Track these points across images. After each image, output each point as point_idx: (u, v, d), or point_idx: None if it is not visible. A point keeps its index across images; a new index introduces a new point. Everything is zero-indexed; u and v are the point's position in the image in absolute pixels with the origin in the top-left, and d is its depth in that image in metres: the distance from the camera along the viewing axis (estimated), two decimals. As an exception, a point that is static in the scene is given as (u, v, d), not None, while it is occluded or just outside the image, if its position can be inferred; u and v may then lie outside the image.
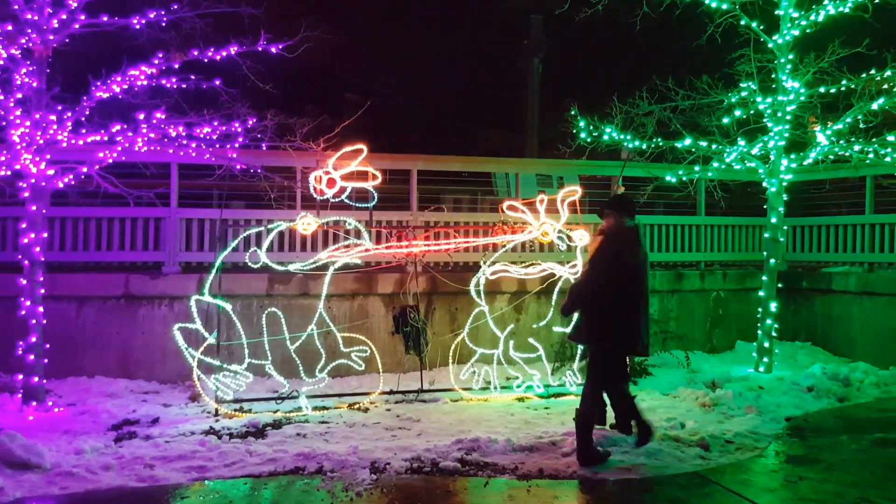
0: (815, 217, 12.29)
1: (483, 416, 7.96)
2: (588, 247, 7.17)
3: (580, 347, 9.21)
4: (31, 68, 7.81)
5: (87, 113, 8.08)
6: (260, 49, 8.24)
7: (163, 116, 8.11)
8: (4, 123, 7.80)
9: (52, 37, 7.86)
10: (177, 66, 8.11)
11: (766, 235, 10.57)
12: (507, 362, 9.21)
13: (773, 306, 10.31)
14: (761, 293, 10.48)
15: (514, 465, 6.27)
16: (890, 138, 9.60)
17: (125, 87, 8.05)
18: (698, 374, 9.84)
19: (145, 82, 8.10)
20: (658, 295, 11.50)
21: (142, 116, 8.04)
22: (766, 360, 10.22)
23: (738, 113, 10.31)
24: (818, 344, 11.66)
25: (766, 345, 10.26)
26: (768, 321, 10.28)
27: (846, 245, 11.59)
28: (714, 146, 10.33)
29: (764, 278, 10.47)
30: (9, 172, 7.88)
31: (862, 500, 5.47)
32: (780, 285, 10.62)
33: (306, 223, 8.53)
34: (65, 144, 8.08)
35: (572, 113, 10.47)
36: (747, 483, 5.94)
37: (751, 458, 6.61)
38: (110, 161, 8.26)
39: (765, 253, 10.54)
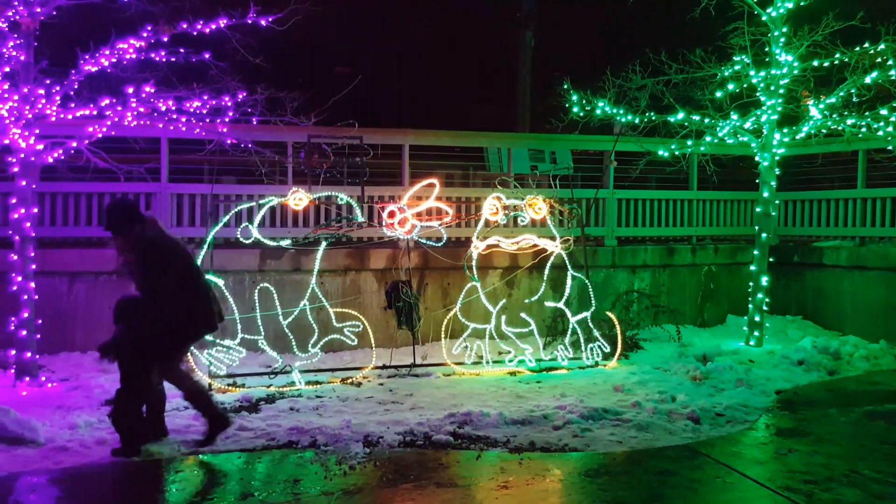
0: (806, 191, 12.30)
1: (475, 390, 8.01)
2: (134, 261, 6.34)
3: (572, 322, 9.25)
4: (18, 41, 7.69)
5: (76, 87, 7.99)
6: (249, 22, 8.12)
7: (152, 90, 8.01)
8: (-8, 98, 7.72)
9: (39, 9, 7.73)
10: (166, 39, 7.99)
11: (757, 210, 10.58)
12: (499, 337, 9.23)
13: (764, 280, 10.35)
14: (752, 267, 10.52)
15: (505, 439, 6.32)
16: (883, 112, 9.59)
17: (113, 60, 7.94)
18: (689, 348, 9.90)
19: (134, 56, 7.99)
20: (649, 269, 11.54)
21: (131, 90, 7.94)
22: (756, 333, 10.28)
23: (731, 87, 10.25)
24: (809, 318, 11.72)
25: (757, 319, 10.31)
26: (759, 295, 10.32)
27: (838, 219, 11.61)
28: (707, 120, 10.29)
29: (755, 252, 10.50)
30: (-3, 147, 7.83)
31: (851, 471, 5.52)
32: (771, 259, 10.65)
33: (298, 198, 8.52)
34: (53, 119, 8.01)
35: (565, 87, 10.42)
36: (737, 455, 5.99)
37: (741, 431, 6.67)
38: (100, 136, 8.20)
39: (756, 227, 10.55)
